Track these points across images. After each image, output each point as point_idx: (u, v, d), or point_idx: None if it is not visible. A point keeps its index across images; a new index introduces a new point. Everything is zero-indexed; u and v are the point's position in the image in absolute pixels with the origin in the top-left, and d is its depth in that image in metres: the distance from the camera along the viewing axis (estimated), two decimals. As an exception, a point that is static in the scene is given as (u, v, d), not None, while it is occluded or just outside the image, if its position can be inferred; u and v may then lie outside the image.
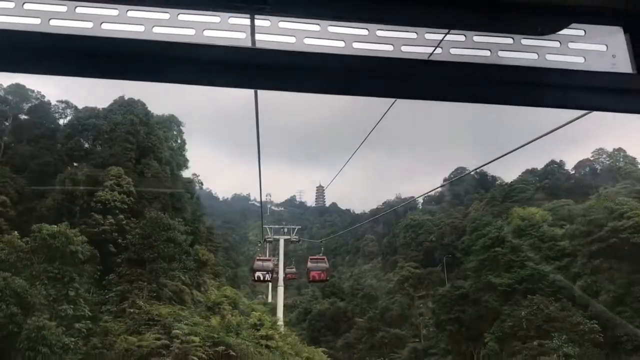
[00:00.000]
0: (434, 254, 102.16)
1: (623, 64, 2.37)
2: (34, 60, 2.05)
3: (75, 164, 55.38)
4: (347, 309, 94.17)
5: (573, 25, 2.38)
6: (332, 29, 2.26)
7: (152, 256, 46.47)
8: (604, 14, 2.38)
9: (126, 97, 62.40)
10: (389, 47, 2.30)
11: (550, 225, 62.55)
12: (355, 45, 2.27)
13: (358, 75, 2.23)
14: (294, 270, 60.21)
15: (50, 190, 50.42)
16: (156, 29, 2.16)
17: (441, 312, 67.90)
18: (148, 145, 59.37)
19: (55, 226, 39.97)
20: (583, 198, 73.06)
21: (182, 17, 2.17)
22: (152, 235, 47.05)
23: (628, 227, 51.24)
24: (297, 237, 64.37)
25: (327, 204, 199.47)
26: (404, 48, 2.31)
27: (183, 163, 72.71)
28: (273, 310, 70.85)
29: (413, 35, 2.34)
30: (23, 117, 62.48)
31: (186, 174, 74.54)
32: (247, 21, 2.21)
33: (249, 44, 2.22)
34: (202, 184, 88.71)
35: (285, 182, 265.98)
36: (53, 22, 2.10)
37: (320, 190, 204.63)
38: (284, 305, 63.62)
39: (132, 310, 42.88)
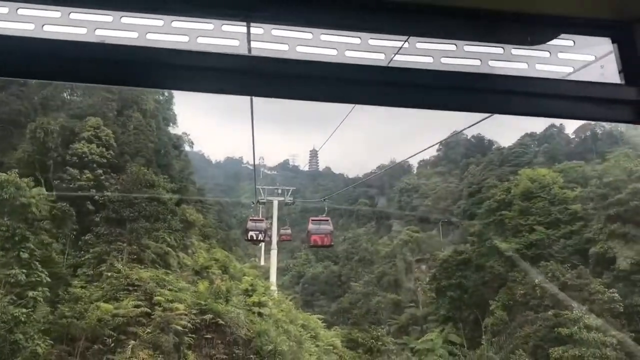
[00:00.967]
0: (429, 218, 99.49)
1: (611, 74, 2.38)
2: (27, 65, 2.00)
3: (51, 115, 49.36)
4: (341, 273, 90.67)
5: (562, 35, 2.39)
6: (324, 37, 2.25)
7: (133, 215, 41.13)
8: (593, 25, 2.39)
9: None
10: (381, 56, 2.30)
11: (561, 188, 57.56)
12: (348, 53, 2.26)
13: (351, 83, 2.20)
14: (289, 231, 56.21)
15: (20, 142, 44.70)
16: (150, 36, 2.13)
17: (442, 278, 63.51)
18: (131, 96, 53.39)
19: (4, 174, 34.15)
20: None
21: (175, 24, 2.15)
22: (133, 192, 41.65)
23: (651, 188, 46.59)
24: (291, 198, 60.64)
25: (321, 168, 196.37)
26: (396, 57, 2.29)
27: (170, 118, 66.69)
28: (265, 274, 67.43)
29: (405, 45, 2.33)
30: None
31: (176, 132, 68.72)
32: (240, 28, 2.21)
33: (243, 51, 2.20)
34: (192, 143, 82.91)
35: (279, 146, 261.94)
36: (47, 28, 2.07)
37: (313, 154, 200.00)
38: (277, 269, 59.78)
39: (109, 274, 37.81)
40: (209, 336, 37.30)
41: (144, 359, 32.87)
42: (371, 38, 2.28)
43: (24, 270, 30.38)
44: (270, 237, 62.70)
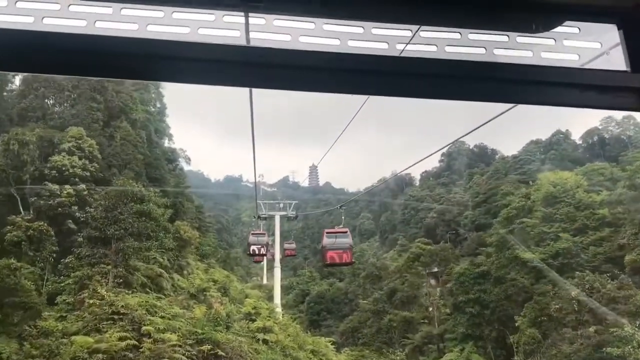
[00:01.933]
0: (435, 230, 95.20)
1: (617, 61, 2.33)
2: (27, 58, 1.98)
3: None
4: (348, 290, 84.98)
5: (567, 22, 2.35)
6: (327, 27, 2.21)
7: (119, 233, 35.53)
8: (598, 12, 2.35)
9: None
10: (384, 45, 2.25)
11: (586, 191, 52.17)
12: (351, 43, 2.21)
13: (353, 73, 2.16)
14: (293, 245, 51.55)
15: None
16: (150, 27, 2.09)
17: (459, 293, 57.81)
18: (118, 105, 48.25)
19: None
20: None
21: (176, 15, 2.11)
22: (118, 207, 36.13)
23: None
24: (294, 212, 56.00)
25: (321, 183, 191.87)
26: (398, 46, 2.26)
27: (163, 130, 61.37)
28: (269, 293, 62.75)
29: (408, 34, 2.29)
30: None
31: (170, 145, 63.43)
32: (242, 19, 2.16)
33: (243, 42, 2.16)
34: (189, 159, 77.89)
35: (278, 164, 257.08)
36: (46, 21, 2.03)
37: (313, 170, 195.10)
38: (280, 287, 54.69)
39: (91, 302, 32.12)
40: (207, 370, 31.59)
41: (130, 402, 27.18)
42: (374, 27, 2.22)
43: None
44: (272, 254, 58.91)
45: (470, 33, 2.30)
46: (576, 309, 38.96)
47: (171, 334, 31.22)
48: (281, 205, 58.30)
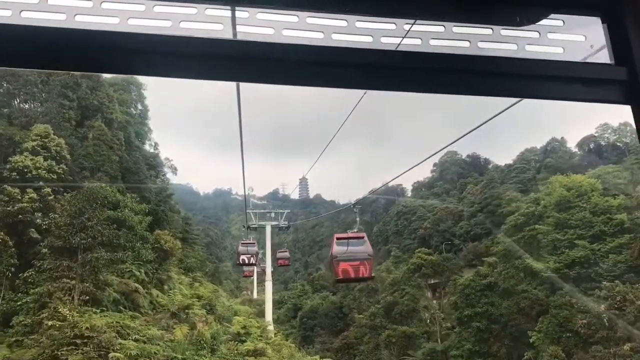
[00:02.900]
0: (429, 241, 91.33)
1: (601, 54, 2.31)
2: (5, 52, 1.85)
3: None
4: (342, 303, 79.31)
5: (552, 15, 2.32)
6: (310, 20, 2.15)
7: (86, 242, 29.91)
8: (583, 4, 2.35)
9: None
10: (368, 39, 2.20)
11: (602, 195, 47.39)
12: (335, 36, 2.16)
13: (337, 67, 2.10)
14: (287, 254, 47.13)
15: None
16: (131, 21, 2.00)
17: (464, 306, 52.70)
18: (94, 104, 42.81)
19: None
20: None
21: (158, 8, 2.03)
22: (86, 212, 30.58)
23: None
24: (285, 222, 51.56)
25: (311, 195, 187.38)
26: (383, 39, 2.21)
27: (145, 134, 55.76)
28: (259, 307, 57.94)
29: (392, 27, 2.24)
30: None
31: (153, 151, 57.83)
32: (225, 12, 2.09)
33: (228, 36, 2.08)
34: (175, 169, 72.26)
35: (268, 176, 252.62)
36: (25, 14, 1.93)
37: (303, 182, 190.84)
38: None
39: (50, 324, 26.52)
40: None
41: None
42: (358, 20, 2.17)
43: None
44: (263, 268, 55.13)
45: (455, 26, 2.23)
46: (606, 324, 33.89)
47: (145, 361, 25.75)
48: (272, 214, 54.38)
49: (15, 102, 41.61)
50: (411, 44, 2.20)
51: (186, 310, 33.52)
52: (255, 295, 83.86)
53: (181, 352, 27.93)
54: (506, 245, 51.99)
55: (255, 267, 69.45)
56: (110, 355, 25.28)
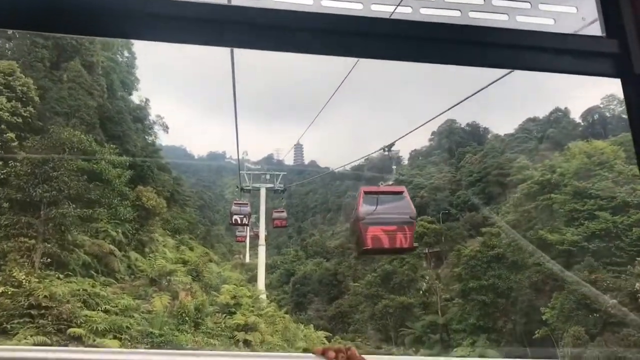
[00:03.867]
0: (426, 210, 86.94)
1: (593, 26, 2.24)
2: None
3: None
4: (337, 270, 75.13)
5: None
6: None
7: (49, 195, 24.81)
8: None
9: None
10: (359, 6, 2.15)
11: (626, 163, 42.67)
12: (325, 3, 2.09)
13: (327, 34, 2.06)
14: (284, 214, 43.74)
15: None
16: None
17: (469, 278, 48.43)
18: (71, 44, 37.14)
19: None
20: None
21: None
22: (51, 161, 25.40)
23: None
24: (281, 184, 47.60)
25: (306, 162, 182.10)
26: (373, 7, 2.15)
27: (131, 84, 50.04)
28: (251, 272, 54.47)
29: None
30: None
31: (140, 104, 52.31)
32: None
33: (223, 1, 2.04)
34: (167, 127, 66.86)
35: (263, 141, 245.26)
36: None
37: (298, 148, 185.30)
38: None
39: (2, 290, 21.62)
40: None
41: None
42: None
43: None
44: (256, 233, 51.64)
45: None
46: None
47: (113, 338, 20.99)
48: (267, 176, 50.29)
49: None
50: (402, 12, 2.13)
51: (168, 277, 28.73)
52: (247, 260, 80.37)
53: (159, 326, 23.29)
54: (517, 215, 47.45)
55: (247, 232, 65.52)
56: (70, 330, 20.49)
